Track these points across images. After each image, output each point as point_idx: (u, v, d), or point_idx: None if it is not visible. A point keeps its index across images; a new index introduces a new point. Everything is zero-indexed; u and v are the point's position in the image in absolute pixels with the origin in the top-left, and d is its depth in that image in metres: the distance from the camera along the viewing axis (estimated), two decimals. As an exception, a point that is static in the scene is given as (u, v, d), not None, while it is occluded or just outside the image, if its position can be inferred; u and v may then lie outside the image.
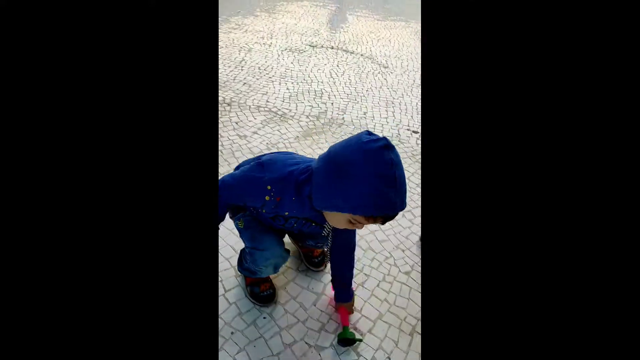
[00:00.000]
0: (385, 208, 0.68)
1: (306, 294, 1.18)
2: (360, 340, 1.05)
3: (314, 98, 2.38)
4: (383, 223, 0.73)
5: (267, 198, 0.78)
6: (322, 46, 3.33)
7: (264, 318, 1.08)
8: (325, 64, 2.93)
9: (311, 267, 1.23)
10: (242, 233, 1.02)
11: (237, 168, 1.02)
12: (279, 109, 2.21)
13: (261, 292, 1.09)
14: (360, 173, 0.66)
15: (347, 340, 1.01)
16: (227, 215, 1.05)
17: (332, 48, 3.30)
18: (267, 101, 2.28)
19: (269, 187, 0.78)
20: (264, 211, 0.88)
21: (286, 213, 0.84)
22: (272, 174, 0.80)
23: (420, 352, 1.05)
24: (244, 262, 1.06)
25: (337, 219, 0.78)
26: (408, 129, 2.19)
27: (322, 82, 2.60)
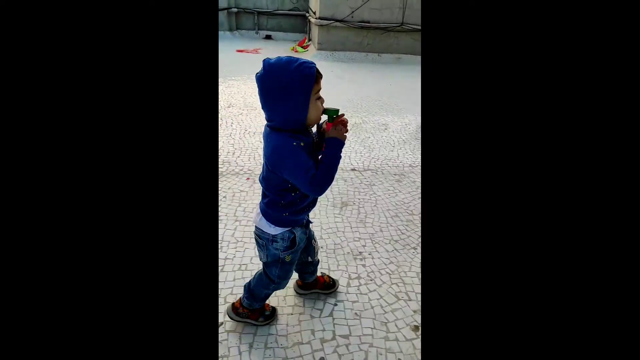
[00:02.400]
0: (309, 64, 0.89)
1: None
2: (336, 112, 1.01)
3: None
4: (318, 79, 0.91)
5: (302, 144, 0.93)
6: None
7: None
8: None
9: (326, 290, 1.41)
10: (283, 265, 1.13)
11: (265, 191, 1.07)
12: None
13: (267, 311, 1.30)
14: (288, 79, 0.87)
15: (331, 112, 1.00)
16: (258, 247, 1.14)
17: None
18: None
19: (294, 144, 0.92)
20: (319, 156, 1.01)
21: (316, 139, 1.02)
22: (279, 141, 0.93)
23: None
24: (262, 291, 1.20)
25: (313, 108, 0.93)
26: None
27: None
